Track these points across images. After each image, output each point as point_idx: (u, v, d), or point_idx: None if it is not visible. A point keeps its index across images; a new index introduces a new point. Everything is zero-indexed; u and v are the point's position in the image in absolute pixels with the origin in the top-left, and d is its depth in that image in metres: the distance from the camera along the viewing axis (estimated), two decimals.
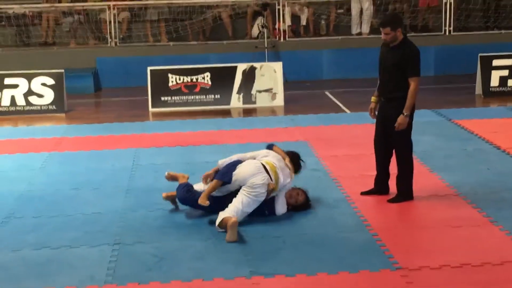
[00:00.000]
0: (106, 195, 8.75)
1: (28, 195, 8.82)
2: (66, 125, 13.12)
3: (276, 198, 7.82)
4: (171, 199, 8.13)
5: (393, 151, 8.16)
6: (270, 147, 8.16)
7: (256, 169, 7.63)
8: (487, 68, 14.73)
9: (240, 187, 7.61)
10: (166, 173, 8.44)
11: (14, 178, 9.59)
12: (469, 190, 8.52)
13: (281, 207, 7.83)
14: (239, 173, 7.65)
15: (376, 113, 8.29)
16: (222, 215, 7.35)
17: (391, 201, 8.15)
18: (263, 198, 7.60)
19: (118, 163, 10.17)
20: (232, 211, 7.38)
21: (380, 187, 8.37)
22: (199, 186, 7.97)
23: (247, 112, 14.12)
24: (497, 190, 8.55)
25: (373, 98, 8.27)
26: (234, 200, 7.53)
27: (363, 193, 8.42)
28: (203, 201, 7.54)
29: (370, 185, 8.43)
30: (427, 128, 11.54)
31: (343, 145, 10.82)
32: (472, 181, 8.86)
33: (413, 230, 7.44)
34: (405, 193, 8.16)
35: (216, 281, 6.23)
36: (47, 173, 9.84)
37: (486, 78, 14.71)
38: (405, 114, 7.87)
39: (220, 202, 7.64)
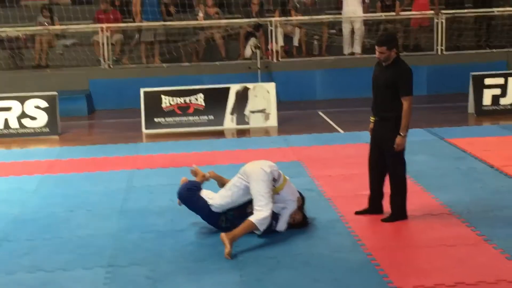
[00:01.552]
0: (100, 217, 8.73)
1: (22, 218, 8.80)
2: (59, 148, 13.11)
3: (280, 216, 7.84)
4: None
5: (387, 170, 8.17)
6: None
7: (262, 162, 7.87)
8: (479, 87, 14.79)
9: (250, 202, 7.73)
10: (194, 167, 8.61)
11: (7, 200, 9.56)
12: (463, 209, 8.53)
13: (282, 224, 7.85)
14: (247, 166, 7.85)
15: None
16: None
17: (385, 220, 8.15)
18: (270, 176, 7.66)
19: (112, 185, 10.15)
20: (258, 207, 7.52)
21: (374, 207, 8.38)
22: (205, 193, 7.99)
23: (241, 133, 14.13)
24: (491, 208, 8.56)
25: (372, 118, 8.27)
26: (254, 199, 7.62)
27: (357, 213, 8.42)
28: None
29: (364, 204, 8.44)
30: (421, 147, 11.57)
31: (336, 165, 10.83)
32: (466, 200, 8.87)
33: (408, 250, 7.44)
34: (399, 212, 8.16)
35: None
36: (41, 195, 9.82)
37: (479, 97, 14.77)
38: (402, 134, 7.89)
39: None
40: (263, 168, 7.71)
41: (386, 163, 8.12)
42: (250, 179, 7.67)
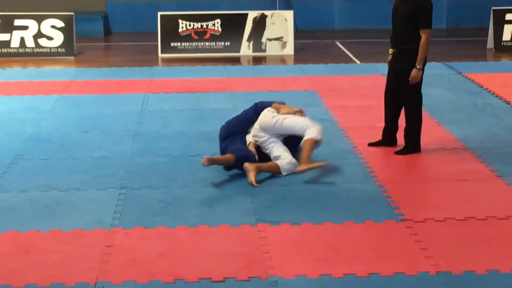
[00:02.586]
0: (114, 139, 8.78)
1: (37, 137, 8.86)
2: (75, 68, 13.11)
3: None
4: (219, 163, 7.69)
5: (403, 103, 8.14)
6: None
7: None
8: (500, 22, 14.58)
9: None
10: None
11: (23, 119, 9.62)
12: (477, 144, 8.51)
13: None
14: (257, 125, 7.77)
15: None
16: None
17: (399, 153, 8.16)
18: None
19: (127, 108, 10.18)
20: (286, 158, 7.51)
21: (388, 139, 8.37)
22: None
23: (257, 60, 14.07)
24: (505, 144, 8.54)
25: (390, 50, 8.19)
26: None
27: (370, 144, 8.42)
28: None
29: (378, 136, 8.43)
30: (437, 81, 11.49)
31: (352, 95, 10.79)
32: (480, 135, 8.85)
33: (419, 183, 7.46)
34: (412, 145, 8.16)
35: (221, 227, 6.27)
36: (56, 115, 9.87)
37: (499, 32, 14.58)
38: (417, 67, 7.83)
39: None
40: (269, 111, 7.72)
41: (402, 96, 8.08)
42: (279, 128, 7.63)
